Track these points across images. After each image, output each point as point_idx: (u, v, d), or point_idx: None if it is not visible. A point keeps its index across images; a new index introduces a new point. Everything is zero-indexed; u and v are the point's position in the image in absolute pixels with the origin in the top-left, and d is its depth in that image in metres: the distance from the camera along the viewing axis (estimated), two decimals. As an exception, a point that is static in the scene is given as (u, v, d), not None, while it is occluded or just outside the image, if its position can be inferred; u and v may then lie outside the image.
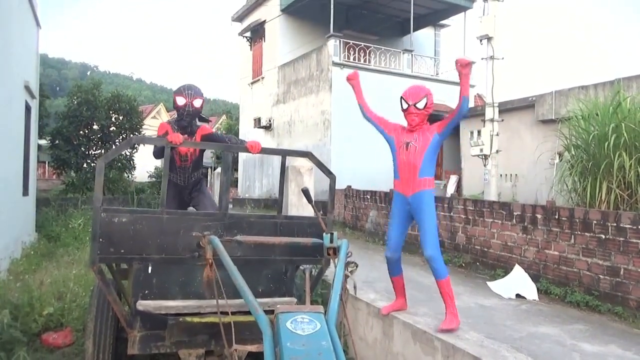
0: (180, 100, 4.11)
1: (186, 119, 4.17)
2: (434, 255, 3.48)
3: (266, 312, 2.04)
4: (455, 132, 12.79)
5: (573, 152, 6.37)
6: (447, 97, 13.29)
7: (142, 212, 3.04)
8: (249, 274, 2.93)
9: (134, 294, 3.06)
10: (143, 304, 2.97)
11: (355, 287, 2.56)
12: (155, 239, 2.95)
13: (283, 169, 3.59)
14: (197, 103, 4.15)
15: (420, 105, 3.62)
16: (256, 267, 3.29)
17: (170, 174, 4.25)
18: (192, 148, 4.28)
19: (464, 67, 3.41)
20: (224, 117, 33.43)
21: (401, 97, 3.71)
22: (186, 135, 4.12)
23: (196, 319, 2.99)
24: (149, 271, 3.05)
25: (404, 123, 3.78)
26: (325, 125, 14.02)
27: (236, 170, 20.04)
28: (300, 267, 3.88)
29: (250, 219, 3.34)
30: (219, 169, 4.69)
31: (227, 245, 2.48)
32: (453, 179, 13.35)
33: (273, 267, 3.38)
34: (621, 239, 4.70)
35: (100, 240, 2.80)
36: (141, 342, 3.04)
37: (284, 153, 3.55)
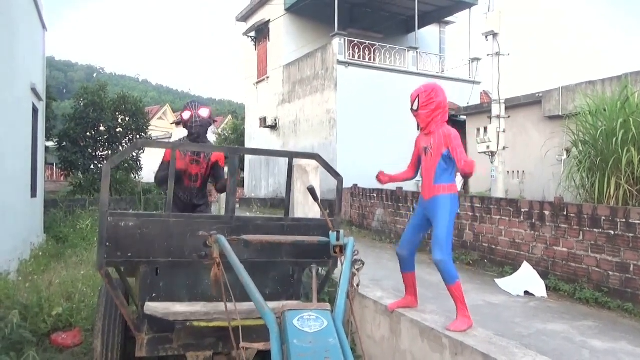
0: (186, 114, 4.18)
1: (195, 131, 4.18)
2: (443, 260, 3.42)
3: None
4: (461, 130, 12.75)
5: (581, 148, 6.31)
6: (452, 95, 13.21)
7: (148, 216, 3.05)
8: (256, 277, 2.92)
9: (141, 297, 3.07)
10: (150, 308, 2.96)
11: (358, 285, 2.54)
12: (162, 242, 2.96)
13: (290, 170, 3.57)
14: (204, 112, 4.19)
15: (414, 107, 3.61)
16: (263, 270, 3.28)
17: (178, 191, 4.27)
18: (202, 170, 4.31)
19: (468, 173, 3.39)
20: (229, 117, 33.48)
21: None
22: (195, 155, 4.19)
23: (203, 324, 2.99)
24: (156, 274, 3.06)
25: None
26: (331, 124, 14.01)
27: (243, 170, 20.08)
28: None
29: (257, 222, 3.33)
30: (225, 169, 4.71)
31: (234, 244, 2.47)
32: (459, 176, 13.30)
33: (280, 270, 3.37)
34: (630, 234, 4.66)
35: (107, 244, 2.81)
36: (149, 345, 3.05)
37: (292, 155, 3.54)
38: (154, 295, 3.07)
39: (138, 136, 15.69)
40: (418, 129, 3.80)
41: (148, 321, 3.05)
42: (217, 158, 4.35)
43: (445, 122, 3.65)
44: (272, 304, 3.05)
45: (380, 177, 3.93)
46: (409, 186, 9.46)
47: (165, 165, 4.14)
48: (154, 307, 2.98)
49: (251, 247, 3.01)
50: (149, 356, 3.09)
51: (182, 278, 3.13)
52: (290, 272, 3.40)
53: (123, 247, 2.87)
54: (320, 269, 2.84)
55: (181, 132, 23.08)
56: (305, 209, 6.45)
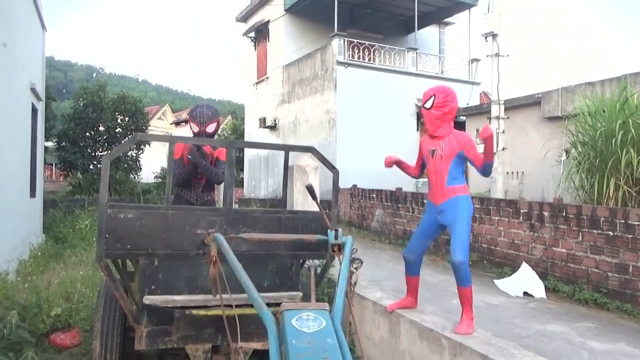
0: (194, 128, 4.26)
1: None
2: (464, 262, 3.37)
3: (272, 305, 2.03)
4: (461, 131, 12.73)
5: (580, 149, 6.32)
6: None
7: (147, 208, 3.06)
8: (255, 269, 2.93)
9: (140, 289, 3.08)
10: (150, 298, 3.00)
11: (355, 283, 2.54)
12: (160, 234, 2.96)
13: (286, 164, 3.58)
14: (210, 129, 4.27)
15: (427, 105, 3.57)
16: (261, 262, 3.30)
17: (183, 190, 4.38)
18: None
19: (487, 138, 3.20)
20: (229, 117, 33.46)
21: None
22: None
23: (202, 312, 3.01)
24: (155, 266, 3.07)
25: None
26: (331, 125, 14.01)
27: (242, 170, 20.06)
28: (306, 265, 3.88)
29: (255, 214, 3.34)
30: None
31: (232, 241, 2.47)
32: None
33: (278, 261, 3.39)
34: (629, 236, 4.66)
35: (107, 236, 2.82)
36: (148, 338, 3.06)
37: (287, 148, 3.55)
38: (152, 287, 3.08)
39: (137, 136, 15.67)
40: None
41: (147, 313, 3.07)
42: (219, 154, 4.40)
43: (452, 128, 3.64)
44: (271, 295, 3.08)
45: (386, 160, 3.89)
46: (409, 187, 9.47)
47: (178, 162, 4.23)
48: (153, 298, 3.02)
49: (249, 240, 3.02)
50: (149, 349, 3.10)
51: (180, 270, 3.15)
52: (288, 263, 3.42)
53: (122, 239, 2.87)
54: (318, 268, 2.84)
55: (180, 133, 22.94)
56: (305, 208, 6.46)
